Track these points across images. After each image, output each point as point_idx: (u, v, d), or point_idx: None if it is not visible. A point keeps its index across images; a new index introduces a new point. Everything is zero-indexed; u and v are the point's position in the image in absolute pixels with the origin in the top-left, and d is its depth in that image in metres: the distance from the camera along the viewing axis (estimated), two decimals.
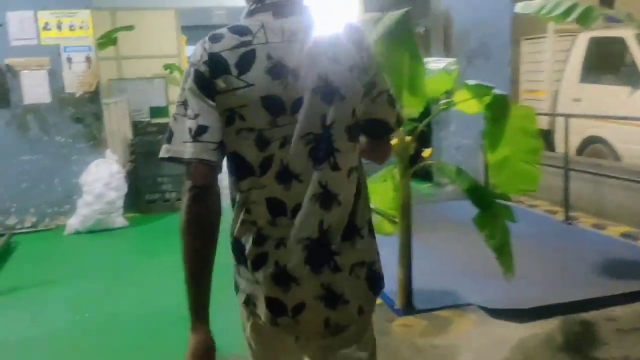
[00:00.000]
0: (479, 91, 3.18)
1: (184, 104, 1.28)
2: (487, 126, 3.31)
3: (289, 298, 1.33)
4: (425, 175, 6.68)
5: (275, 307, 1.33)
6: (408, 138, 3.30)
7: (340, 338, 1.38)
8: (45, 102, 5.77)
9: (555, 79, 7.48)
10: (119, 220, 5.79)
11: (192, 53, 1.35)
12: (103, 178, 5.61)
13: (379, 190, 3.57)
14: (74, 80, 5.79)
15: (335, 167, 1.31)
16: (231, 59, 1.25)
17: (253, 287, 1.35)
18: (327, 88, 1.29)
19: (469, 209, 2.98)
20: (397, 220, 3.49)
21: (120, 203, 5.75)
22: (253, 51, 1.26)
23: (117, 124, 7.86)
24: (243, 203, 1.33)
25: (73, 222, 5.66)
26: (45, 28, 5.66)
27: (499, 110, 3.26)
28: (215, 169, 1.27)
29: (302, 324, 1.34)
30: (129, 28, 9.93)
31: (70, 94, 5.81)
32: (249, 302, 1.37)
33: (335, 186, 1.31)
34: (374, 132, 1.44)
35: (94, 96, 5.88)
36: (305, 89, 1.28)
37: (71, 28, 5.71)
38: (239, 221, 1.34)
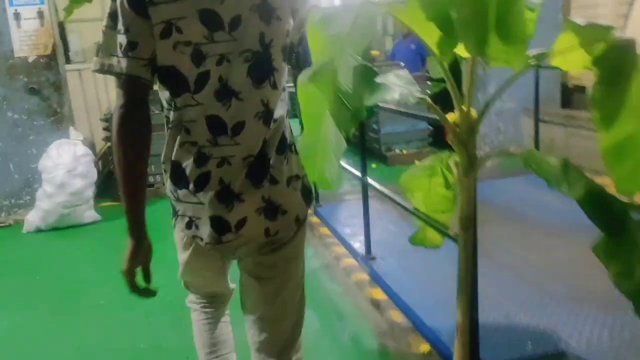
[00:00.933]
0: (591, 34, 1.95)
1: (112, 16, 1.27)
2: (597, 90, 2.06)
3: (232, 215, 1.37)
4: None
5: (219, 225, 1.37)
6: (474, 112, 2.13)
7: (279, 243, 1.46)
8: None
9: None
10: (89, 214, 4.73)
11: None
12: (65, 164, 4.53)
13: (422, 185, 2.46)
14: (25, 41, 4.65)
15: (274, 86, 1.37)
16: None
17: (195, 209, 1.38)
18: (265, 8, 1.31)
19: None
20: (447, 230, 2.40)
21: (89, 193, 4.68)
22: None
23: (95, 94, 6.74)
24: (179, 123, 1.35)
25: (32, 218, 4.61)
26: None
27: (618, 64, 2.01)
28: (146, 85, 1.28)
29: (245, 237, 1.41)
30: None
31: (21, 59, 4.69)
32: (192, 225, 1.41)
33: (274, 104, 1.37)
34: (305, 56, 1.41)
35: (50, 61, 4.74)
36: (244, 7, 1.29)
37: None
38: (177, 143, 1.36)
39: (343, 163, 4.09)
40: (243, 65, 1.31)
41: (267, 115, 1.36)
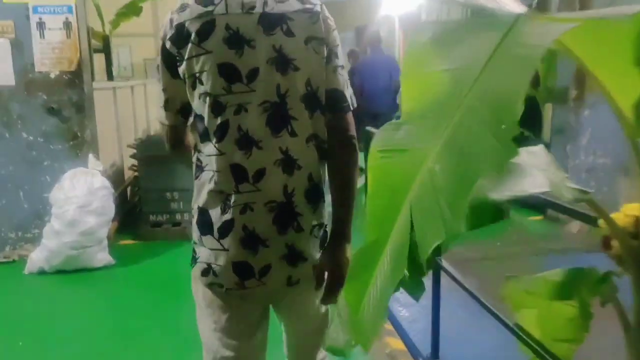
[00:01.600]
0: None
1: (158, 69, 1.44)
2: None
3: (257, 260, 1.42)
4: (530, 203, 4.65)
5: (242, 270, 1.42)
6: None
7: (300, 289, 1.49)
8: (7, 84, 4.09)
9: None
10: (101, 257, 4.05)
11: (163, 22, 1.42)
12: (78, 197, 3.88)
13: (539, 301, 1.66)
14: (48, 54, 4.08)
15: (293, 134, 1.40)
16: (193, 28, 1.35)
17: (217, 255, 1.43)
18: (281, 59, 1.37)
19: None
20: None
21: (102, 233, 4.01)
22: (213, 21, 1.35)
23: (130, 115, 6.18)
24: (206, 171, 1.42)
25: (36, 257, 3.97)
26: None
27: None
28: (182, 128, 1.49)
29: (268, 284, 1.44)
30: None
31: (42, 74, 4.10)
32: (208, 272, 1.45)
33: (295, 152, 1.41)
34: (334, 103, 1.46)
35: (75, 78, 4.14)
36: (261, 60, 1.37)
37: None
38: (205, 190, 1.42)
39: None
40: (262, 115, 1.38)
41: (287, 162, 1.41)
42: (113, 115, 5.42)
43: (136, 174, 4.84)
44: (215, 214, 1.41)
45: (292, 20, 1.39)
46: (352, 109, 1.48)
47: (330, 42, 1.43)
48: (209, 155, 1.40)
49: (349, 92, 1.48)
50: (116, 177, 5.21)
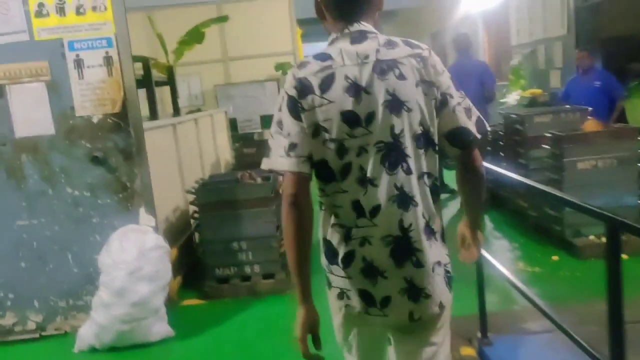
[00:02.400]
0: None
1: (279, 124, 1.53)
2: None
3: (377, 290, 1.54)
4: None
5: (366, 298, 1.55)
6: None
7: (422, 327, 1.59)
8: (46, 133, 3.58)
9: None
10: (159, 329, 3.43)
11: (286, 79, 1.55)
12: (127, 262, 3.29)
13: None
14: (88, 96, 3.53)
15: (408, 172, 1.50)
16: (315, 81, 1.49)
17: (345, 282, 1.57)
18: (395, 102, 1.49)
19: None
20: None
21: (158, 301, 3.39)
22: (333, 74, 1.49)
23: (194, 152, 5.65)
24: (330, 207, 1.56)
25: (86, 333, 3.40)
26: (39, 13, 3.45)
27: None
28: (306, 178, 1.52)
29: (390, 316, 1.56)
30: (223, 19, 7.72)
31: (84, 118, 3.56)
32: (343, 296, 1.59)
33: (409, 188, 1.51)
34: (460, 140, 1.55)
35: (120, 121, 3.57)
36: (377, 104, 1.48)
37: (78, 11, 3.45)
38: (330, 225, 1.57)
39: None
40: (377, 154, 1.49)
41: (402, 198, 1.51)
42: (174, 155, 4.87)
43: (198, 221, 4.21)
44: (338, 245, 1.56)
45: (403, 64, 1.51)
46: (480, 137, 1.56)
47: (441, 85, 1.54)
48: (332, 194, 1.54)
49: (472, 122, 1.57)
50: (180, 225, 4.63)
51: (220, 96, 10.38)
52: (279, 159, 1.51)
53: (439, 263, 1.57)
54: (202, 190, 4.18)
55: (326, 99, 1.48)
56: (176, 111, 7.05)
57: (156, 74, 7.20)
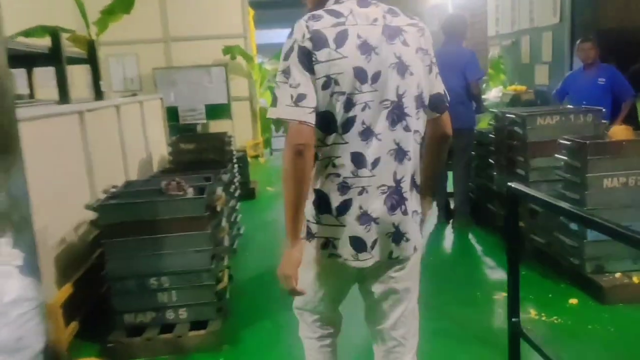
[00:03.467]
0: None
1: (285, 72, 1.59)
2: None
3: (368, 235, 1.67)
4: None
5: (357, 244, 1.67)
6: None
7: (396, 268, 1.75)
8: None
9: None
10: None
11: (294, 30, 1.62)
12: None
13: None
14: None
15: (407, 129, 1.66)
16: (330, 35, 1.58)
17: (335, 231, 1.67)
18: (401, 65, 1.63)
19: None
20: None
21: None
22: (346, 30, 1.59)
23: (115, 149, 4.46)
24: (328, 157, 1.65)
25: None
26: None
27: None
28: (312, 129, 1.58)
29: (374, 258, 1.69)
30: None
31: None
32: (328, 245, 1.69)
33: (406, 144, 1.67)
34: (438, 104, 1.76)
35: None
36: (384, 65, 1.61)
37: None
38: (325, 175, 1.66)
39: None
40: (382, 111, 1.63)
41: (399, 153, 1.66)
42: (80, 153, 3.67)
43: (103, 248, 3.03)
44: (333, 194, 1.65)
45: (406, 32, 1.67)
46: (448, 106, 1.80)
47: (431, 53, 1.74)
48: (332, 144, 1.63)
49: (444, 89, 1.79)
50: (81, 250, 3.43)
51: (160, 81, 9.12)
52: (287, 109, 1.58)
53: (416, 212, 1.74)
54: (107, 207, 3.01)
55: (340, 54, 1.58)
56: (98, 95, 5.80)
57: (78, 51, 5.94)
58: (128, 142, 4.79)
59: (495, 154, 4.70)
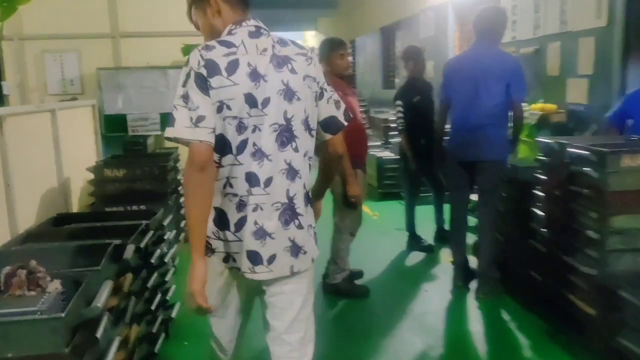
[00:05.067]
0: None
1: (184, 97, 1.69)
2: None
3: (265, 249, 1.75)
4: None
5: (254, 257, 1.75)
6: None
7: (297, 279, 1.85)
8: None
9: None
10: None
11: (189, 59, 1.72)
12: None
13: None
14: None
15: (296, 150, 1.78)
16: (222, 63, 1.68)
17: (234, 245, 1.77)
18: (288, 91, 1.76)
19: None
20: None
21: None
22: (237, 60, 1.70)
23: (4, 174, 2.94)
24: (225, 177, 1.74)
25: None
26: None
27: None
28: (211, 147, 1.70)
29: (275, 271, 1.78)
30: None
31: None
32: (228, 259, 1.79)
33: (296, 164, 1.78)
34: (331, 126, 1.91)
35: None
36: (272, 91, 1.73)
37: None
38: (223, 194, 1.75)
39: None
40: (272, 134, 1.73)
41: (291, 172, 1.77)
42: None
43: None
44: (231, 212, 1.75)
45: (294, 61, 1.79)
46: (345, 125, 1.95)
47: (320, 80, 1.87)
48: (227, 165, 1.73)
49: (341, 112, 1.92)
50: None
51: (106, 84, 7.55)
52: (186, 129, 1.66)
53: (310, 226, 1.87)
54: None
55: (232, 81, 1.68)
56: None
57: None
58: (20, 170, 3.27)
59: (546, 202, 3.31)
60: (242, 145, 1.69)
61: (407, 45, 5.09)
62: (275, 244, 1.74)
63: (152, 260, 2.62)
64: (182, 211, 4.31)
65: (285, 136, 1.74)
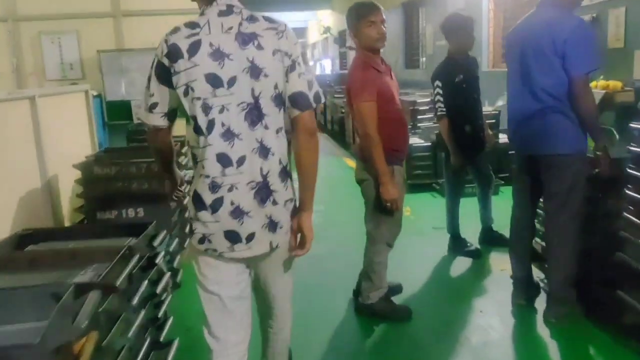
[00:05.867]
0: None
1: (148, 80, 1.79)
2: None
3: (243, 228, 1.78)
4: None
5: (232, 237, 1.78)
6: None
7: (277, 254, 1.90)
8: None
9: None
10: None
11: (158, 45, 1.76)
12: None
13: None
14: None
15: (267, 127, 1.77)
16: (183, 46, 1.70)
17: (211, 226, 1.78)
18: (254, 68, 1.74)
19: None
20: None
21: None
22: (199, 40, 1.71)
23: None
24: (201, 160, 1.77)
25: None
26: None
27: None
28: (165, 130, 1.85)
29: (253, 248, 1.82)
30: None
31: None
32: (204, 240, 1.80)
33: (268, 141, 1.78)
34: (299, 102, 1.81)
35: None
36: (237, 69, 1.73)
37: None
38: (199, 175, 1.78)
39: None
40: (240, 113, 1.74)
41: (262, 150, 1.77)
42: None
43: None
44: (206, 193, 1.76)
45: (261, 37, 1.76)
46: (314, 106, 1.85)
47: (293, 53, 1.80)
48: (202, 147, 1.75)
49: (312, 92, 1.84)
50: None
51: (107, 67, 7.04)
52: (145, 113, 1.81)
53: (290, 200, 1.86)
54: None
55: (192, 62, 1.69)
56: None
57: None
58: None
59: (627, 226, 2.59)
60: (210, 126, 1.72)
61: (450, 14, 4.33)
62: (253, 222, 1.78)
63: (134, 301, 1.95)
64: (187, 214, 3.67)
65: (255, 114, 1.75)
